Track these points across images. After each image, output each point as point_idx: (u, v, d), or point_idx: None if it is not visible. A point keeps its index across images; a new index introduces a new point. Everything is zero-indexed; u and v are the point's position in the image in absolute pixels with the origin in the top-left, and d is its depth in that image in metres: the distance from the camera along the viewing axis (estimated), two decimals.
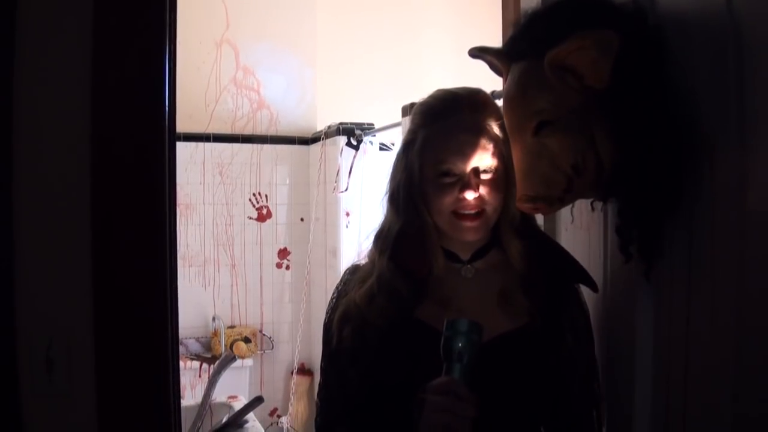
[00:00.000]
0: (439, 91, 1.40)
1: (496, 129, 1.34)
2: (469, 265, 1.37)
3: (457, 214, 1.30)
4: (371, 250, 1.41)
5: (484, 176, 1.31)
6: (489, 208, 1.32)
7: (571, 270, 1.39)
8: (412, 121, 1.38)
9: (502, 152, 1.33)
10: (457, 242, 1.37)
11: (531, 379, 1.30)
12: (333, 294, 1.46)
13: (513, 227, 1.36)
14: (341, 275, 1.49)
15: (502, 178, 1.34)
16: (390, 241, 1.35)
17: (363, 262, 1.45)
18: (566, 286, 1.38)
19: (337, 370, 1.37)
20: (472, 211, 1.30)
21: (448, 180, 1.30)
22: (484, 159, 1.31)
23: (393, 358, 1.29)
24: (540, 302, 1.33)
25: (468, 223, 1.31)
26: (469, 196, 1.29)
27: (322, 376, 1.42)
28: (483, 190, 1.30)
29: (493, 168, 1.32)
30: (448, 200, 1.30)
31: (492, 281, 1.36)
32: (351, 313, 1.34)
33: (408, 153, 1.35)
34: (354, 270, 1.45)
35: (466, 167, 1.30)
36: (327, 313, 1.44)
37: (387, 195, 1.40)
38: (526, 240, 1.37)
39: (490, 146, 1.32)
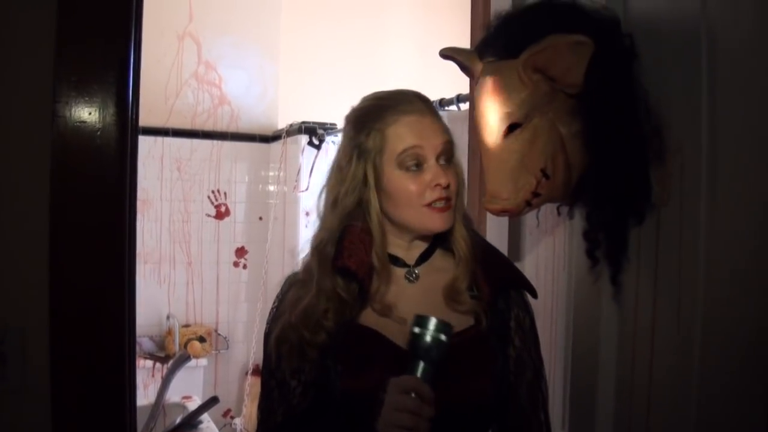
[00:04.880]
0: (376, 93, 1.38)
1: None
2: (414, 269, 1.36)
3: (430, 205, 1.29)
4: (309, 263, 1.36)
5: (447, 163, 1.31)
6: (453, 196, 1.32)
7: (509, 273, 1.40)
8: (356, 128, 1.34)
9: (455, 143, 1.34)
10: (402, 246, 1.36)
11: (479, 380, 1.29)
12: (274, 303, 1.42)
13: (461, 217, 1.36)
14: (283, 282, 1.45)
15: (459, 168, 1.35)
16: (331, 249, 1.33)
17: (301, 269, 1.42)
18: (507, 288, 1.37)
19: (278, 380, 1.34)
20: (443, 198, 1.29)
21: (417, 169, 1.29)
22: (448, 145, 1.31)
23: (337, 367, 1.27)
24: (486, 303, 1.32)
25: (440, 212, 1.30)
26: (443, 180, 1.28)
27: (263, 387, 1.39)
28: (449, 176, 1.30)
29: (452, 156, 1.33)
30: (419, 190, 1.28)
31: (437, 284, 1.34)
32: (289, 334, 1.30)
33: (362, 157, 1.32)
34: (293, 282, 1.41)
35: (435, 150, 1.29)
36: (267, 322, 1.41)
37: (327, 203, 1.37)
38: (471, 233, 1.38)
39: (448, 135, 1.33)
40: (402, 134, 1.29)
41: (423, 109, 1.32)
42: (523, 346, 1.35)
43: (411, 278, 1.35)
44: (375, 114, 1.33)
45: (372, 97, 1.38)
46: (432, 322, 1.17)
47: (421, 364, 1.17)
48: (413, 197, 1.29)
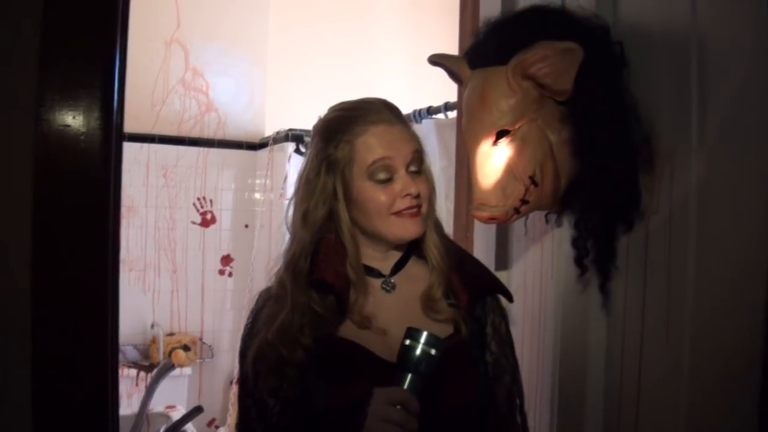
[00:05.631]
0: (342, 104, 1.38)
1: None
2: (391, 279, 1.36)
3: (399, 214, 1.29)
4: (283, 279, 1.34)
5: (417, 171, 1.31)
6: (424, 203, 1.32)
7: (485, 279, 1.40)
8: (324, 140, 1.34)
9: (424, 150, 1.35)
10: (377, 257, 1.36)
11: (463, 388, 1.29)
12: (248, 319, 1.40)
13: (433, 224, 1.36)
14: (257, 296, 1.43)
15: (429, 175, 1.35)
16: (304, 264, 1.31)
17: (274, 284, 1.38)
18: (484, 294, 1.37)
19: (255, 399, 1.31)
20: (414, 206, 1.29)
21: (387, 180, 1.29)
22: (417, 153, 1.32)
23: (319, 382, 1.26)
24: (464, 310, 1.32)
25: (410, 219, 1.30)
26: (413, 189, 1.28)
27: (240, 406, 1.36)
28: (419, 184, 1.30)
29: (423, 163, 1.33)
30: (389, 200, 1.28)
31: (414, 293, 1.35)
32: (266, 352, 1.28)
33: (331, 169, 1.31)
34: (267, 298, 1.39)
35: (405, 159, 1.29)
36: (242, 339, 1.39)
37: (297, 217, 1.35)
38: (443, 240, 1.38)
39: (418, 142, 1.33)
40: (371, 145, 1.29)
41: (391, 119, 1.32)
42: (500, 351, 1.36)
43: (387, 288, 1.35)
44: (343, 125, 1.32)
45: (339, 107, 1.37)
46: (423, 336, 1.16)
47: (409, 377, 1.16)
48: (383, 208, 1.28)
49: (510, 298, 1.39)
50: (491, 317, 1.37)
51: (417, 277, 1.36)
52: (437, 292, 1.33)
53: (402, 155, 1.29)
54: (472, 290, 1.34)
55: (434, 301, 1.32)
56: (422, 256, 1.37)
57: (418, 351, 1.16)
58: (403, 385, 1.16)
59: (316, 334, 1.26)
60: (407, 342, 1.17)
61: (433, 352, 1.16)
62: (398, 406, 1.14)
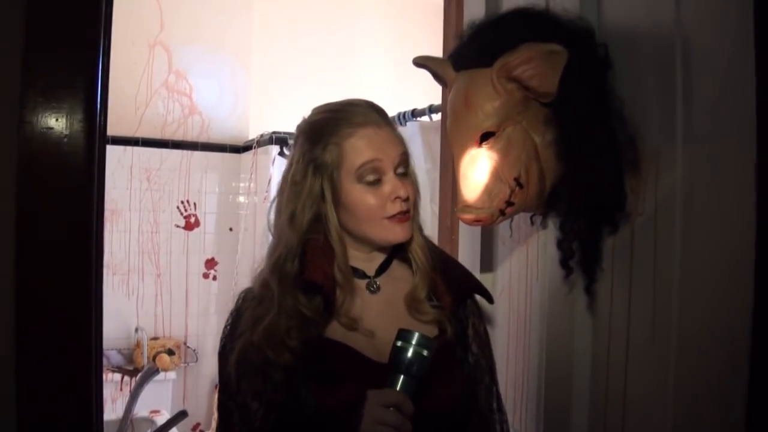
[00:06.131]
0: (328, 105, 1.37)
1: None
2: (376, 280, 1.36)
3: (389, 217, 1.29)
4: (267, 280, 1.31)
5: (404, 174, 1.32)
6: (411, 206, 1.33)
7: (468, 281, 1.41)
8: (311, 141, 1.32)
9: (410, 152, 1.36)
10: (362, 258, 1.36)
11: (449, 389, 1.29)
12: (228, 319, 1.38)
13: (417, 226, 1.38)
14: (237, 296, 1.40)
15: (415, 177, 1.36)
16: (291, 266, 1.30)
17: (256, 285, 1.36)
18: (467, 296, 1.39)
19: (237, 403, 1.29)
20: (404, 209, 1.30)
21: (376, 183, 1.29)
22: (404, 156, 1.32)
23: (308, 385, 1.25)
24: (448, 312, 1.33)
25: (399, 224, 1.30)
26: (402, 192, 1.29)
27: (221, 409, 1.33)
28: (407, 187, 1.31)
29: (409, 165, 1.34)
30: (379, 203, 1.28)
31: (398, 294, 1.36)
32: (250, 354, 1.26)
33: (318, 171, 1.30)
34: (250, 298, 1.36)
35: (393, 162, 1.30)
36: (222, 339, 1.37)
37: (284, 218, 1.33)
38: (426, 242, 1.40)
39: (404, 145, 1.34)
40: (360, 148, 1.29)
41: (378, 120, 1.32)
42: (480, 352, 1.38)
43: (372, 289, 1.35)
44: (330, 127, 1.31)
45: (325, 109, 1.37)
46: (415, 337, 1.16)
47: (402, 378, 1.16)
48: (374, 211, 1.29)
49: (491, 300, 1.40)
50: (472, 319, 1.39)
51: (401, 279, 1.37)
52: (422, 293, 1.33)
53: (390, 157, 1.29)
54: (456, 292, 1.35)
55: (419, 302, 1.33)
56: (404, 258, 1.38)
57: (410, 352, 1.15)
58: (396, 386, 1.16)
59: (302, 338, 1.26)
60: (399, 343, 1.16)
61: (425, 353, 1.16)
62: (392, 408, 1.14)
